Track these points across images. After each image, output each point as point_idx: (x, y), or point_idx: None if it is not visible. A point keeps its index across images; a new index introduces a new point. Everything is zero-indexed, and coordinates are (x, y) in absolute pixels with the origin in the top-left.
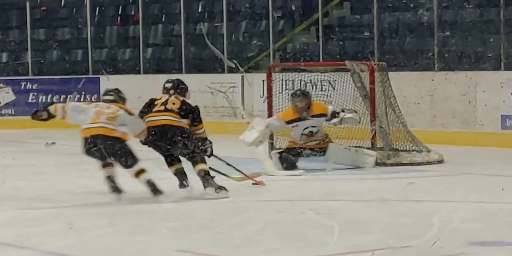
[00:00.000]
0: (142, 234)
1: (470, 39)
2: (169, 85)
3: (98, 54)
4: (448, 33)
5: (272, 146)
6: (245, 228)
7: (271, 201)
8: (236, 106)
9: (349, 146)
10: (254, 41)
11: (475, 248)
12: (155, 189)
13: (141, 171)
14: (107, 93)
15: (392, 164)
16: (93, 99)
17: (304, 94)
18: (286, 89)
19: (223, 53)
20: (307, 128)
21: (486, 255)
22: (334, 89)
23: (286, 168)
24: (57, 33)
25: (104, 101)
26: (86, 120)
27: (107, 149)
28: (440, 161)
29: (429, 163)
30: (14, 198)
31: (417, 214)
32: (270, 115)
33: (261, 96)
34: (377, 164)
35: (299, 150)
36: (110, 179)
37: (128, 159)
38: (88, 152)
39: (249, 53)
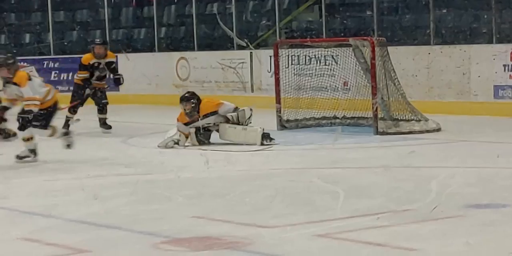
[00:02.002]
0: (160, 202)
1: (464, 15)
2: None
3: (115, 34)
4: (443, 10)
5: (280, 119)
6: (256, 195)
7: (280, 170)
8: (245, 81)
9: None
10: (263, 21)
11: (472, 210)
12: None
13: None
14: None
15: (393, 133)
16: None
17: (186, 99)
18: (292, 64)
19: (232, 31)
20: (204, 126)
21: (482, 217)
22: (337, 63)
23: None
24: (77, 15)
25: None
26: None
27: None
28: (438, 130)
29: (428, 131)
30: (40, 170)
31: (417, 179)
32: (277, 88)
33: (269, 71)
34: (379, 133)
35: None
36: None
37: None
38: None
39: (257, 31)
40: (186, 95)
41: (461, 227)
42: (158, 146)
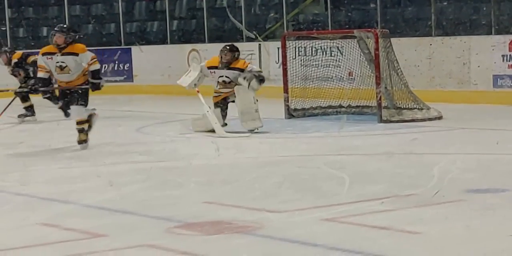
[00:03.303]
0: (172, 189)
1: (464, 7)
2: None
3: (129, 27)
4: (444, 2)
5: (288, 108)
6: (265, 181)
7: (288, 157)
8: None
9: (256, 107)
10: (271, 14)
11: (472, 195)
12: None
13: None
14: None
15: (396, 121)
16: (125, 68)
17: (232, 50)
18: (299, 55)
19: (241, 23)
20: (221, 76)
21: (482, 201)
22: (342, 54)
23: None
24: (92, 8)
25: None
26: None
27: None
28: (439, 118)
29: (429, 119)
30: (58, 158)
31: (419, 165)
32: (285, 78)
33: (277, 62)
34: (383, 121)
35: (225, 101)
36: None
37: None
38: None
39: (265, 24)
40: (230, 46)
41: (462, 211)
42: (180, 84)
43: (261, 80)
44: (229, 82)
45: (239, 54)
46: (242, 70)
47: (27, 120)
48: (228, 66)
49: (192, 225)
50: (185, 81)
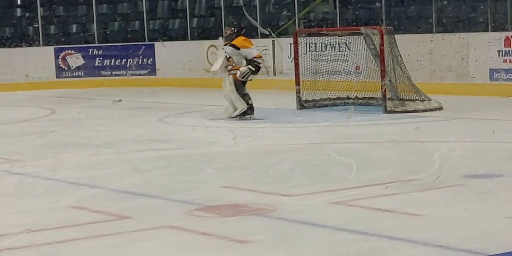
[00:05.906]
0: (193, 174)
1: (463, 6)
2: None
3: (152, 24)
4: (444, 1)
5: (300, 99)
6: (278, 167)
7: (300, 144)
8: (268, 65)
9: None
10: (284, 12)
11: (470, 180)
12: None
13: None
14: None
15: (400, 112)
16: (149, 62)
17: (229, 25)
18: (309, 50)
19: (256, 21)
20: (226, 52)
21: (479, 185)
22: (349, 50)
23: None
24: (118, 7)
25: None
26: None
27: None
28: (440, 108)
29: (430, 110)
30: (86, 145)
31: (421, 152)
32: (297, 72)
33: (289, 57)
34: (388, 111)
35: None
36: None
37: None
38: None
39: (278, 21)
40: (235, 23)
41: (461, 194)
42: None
43: (257, 70)
44: (229, 58)
45: (239, 30)
46: (237, 48)
47: None
48: (230, 41)
49: (210, 208)
50: (215, 67)
